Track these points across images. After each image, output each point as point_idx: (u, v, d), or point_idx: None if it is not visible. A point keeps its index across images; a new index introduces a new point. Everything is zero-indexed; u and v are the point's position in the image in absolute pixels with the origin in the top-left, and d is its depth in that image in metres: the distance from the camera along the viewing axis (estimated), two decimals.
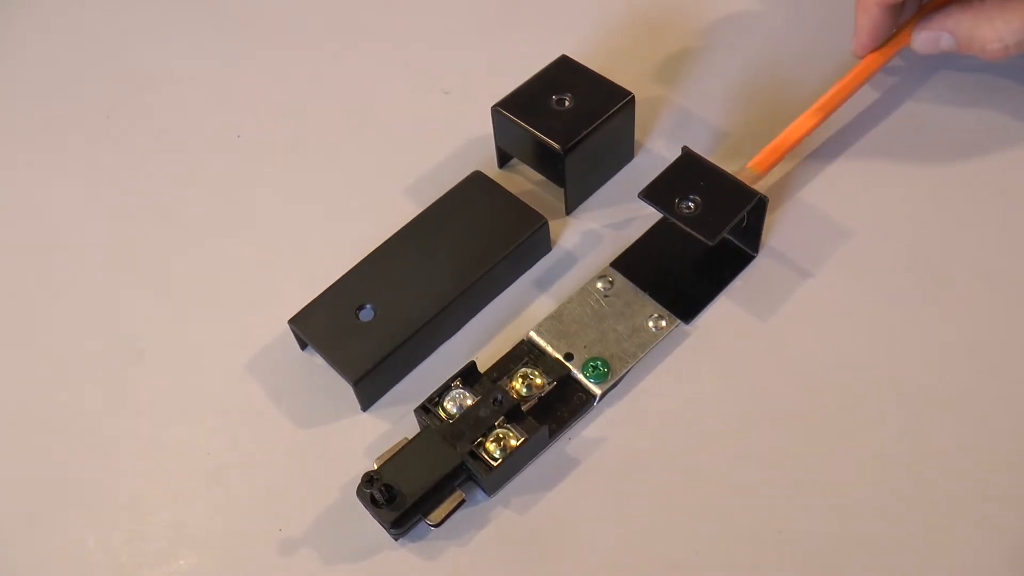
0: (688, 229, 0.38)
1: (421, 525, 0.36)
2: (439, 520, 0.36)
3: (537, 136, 0.41)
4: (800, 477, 0.36)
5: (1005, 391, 0.37)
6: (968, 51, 0.42)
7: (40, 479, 0.39)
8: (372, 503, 0.35)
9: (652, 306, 0.40)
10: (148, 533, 0.37)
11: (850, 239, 0.42)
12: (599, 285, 0.41)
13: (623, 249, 0.42)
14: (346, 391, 0.39)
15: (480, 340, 0.41)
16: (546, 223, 0.42)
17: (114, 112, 0.52)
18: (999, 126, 0.45)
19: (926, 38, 0.43)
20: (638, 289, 0.41)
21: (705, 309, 0.41)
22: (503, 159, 0.46)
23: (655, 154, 0.46)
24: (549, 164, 0.43)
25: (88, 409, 0.41)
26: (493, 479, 0.36)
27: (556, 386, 0.39)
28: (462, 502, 0.36)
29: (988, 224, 0.42)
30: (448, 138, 0.48)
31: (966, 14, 0.42)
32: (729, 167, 0.40)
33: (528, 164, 0.45)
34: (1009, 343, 0.39)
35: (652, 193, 0.39)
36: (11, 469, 0.40)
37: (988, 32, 0.41)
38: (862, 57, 0.44)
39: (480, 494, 0.37)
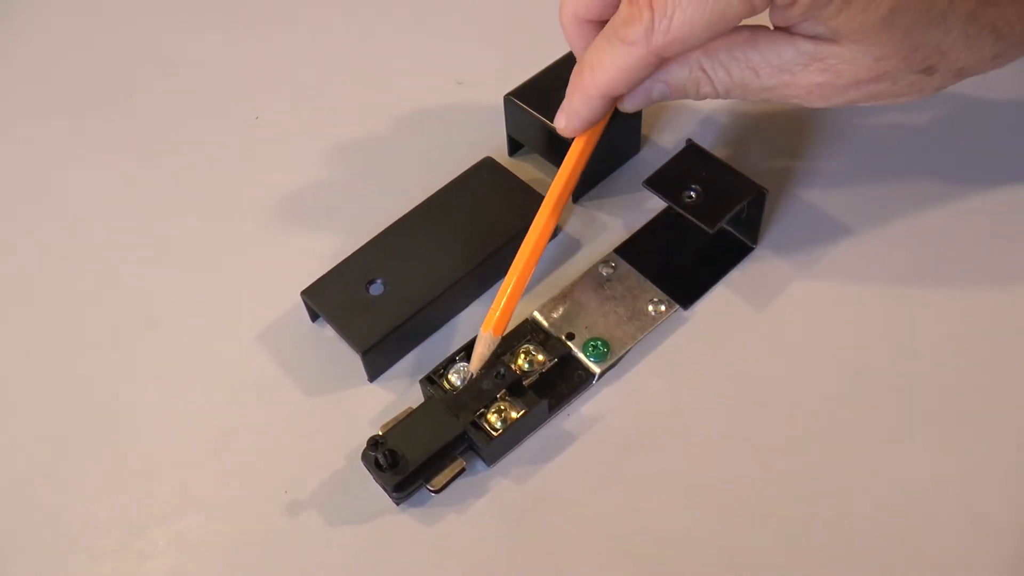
0: (689, 217, 0.39)
1: (422, 491, 0.37)
2: (440, 486, 0.37)
3: (547, 125, 0.43)
4: (789, 463, 0.37)
5: (1000, 387, 0.39)
6: (682, 96, 0.38)
7: (55, 440, 0.40)
8: (376, 467, 0.36)
9: (652, 291, 0.42)
10: (157, 493, 0.39)
11: (847, 236, 0.43)
12: (602, 270, 0.42)
13: (627, 237, 0.44)
14: (354, 362, 0.40)
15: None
16: None
17: (137, 91, 0.53)
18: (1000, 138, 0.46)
19: (637, 91, 0.38)
20: (639, 274, 0.42)
21: (703, 296, 0.42)
22: (514, 148, 0.48)
23: (660, 148, 0.47)
24: (558, 153, 0.44)
25: (103, 375, 0.42)
26: (493, 449, 0.37)
27: (557, 363, 0.40)
28: (462, 470, 0.37)
29: (984, 225, 0.43)
30: (460, 126, 0.49)
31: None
32: (731, 163, 0.41)
33: (538, 152, 0.46)
34: (1003, 341, 0.40)
35: (656, 181, 0.41)
36: (27, 429, 0.41)
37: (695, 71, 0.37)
38: (572, 136, 0.40)
39: (480, 464, 0.38)
